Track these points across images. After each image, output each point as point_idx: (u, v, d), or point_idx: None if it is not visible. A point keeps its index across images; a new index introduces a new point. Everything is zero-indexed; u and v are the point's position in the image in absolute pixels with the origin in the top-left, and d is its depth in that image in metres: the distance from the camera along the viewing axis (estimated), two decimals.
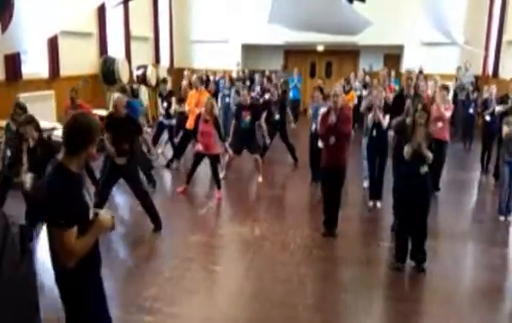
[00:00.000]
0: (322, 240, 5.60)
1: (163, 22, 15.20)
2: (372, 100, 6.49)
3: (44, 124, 7.26)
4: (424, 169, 4.64)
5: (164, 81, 10.02)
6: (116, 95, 5.90)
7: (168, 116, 9.02)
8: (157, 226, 5.73)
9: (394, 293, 4.50)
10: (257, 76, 13.12)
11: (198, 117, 7.10)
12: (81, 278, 2.40)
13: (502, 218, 6.25)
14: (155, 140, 9.08)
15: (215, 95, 10.89)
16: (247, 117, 7.70)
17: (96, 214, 2.39)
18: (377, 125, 6.35)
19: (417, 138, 4.57)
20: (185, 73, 10.86)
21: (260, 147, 7.98)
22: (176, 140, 9.05)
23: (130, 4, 11.88)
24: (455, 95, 12.36)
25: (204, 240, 5.71)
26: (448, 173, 8.02)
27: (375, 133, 6.40)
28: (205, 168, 7.35)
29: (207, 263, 5.12)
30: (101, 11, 11.26)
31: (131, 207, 6.42)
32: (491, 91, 8.53)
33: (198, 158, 7.13)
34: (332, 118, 5.41)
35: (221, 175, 7.94)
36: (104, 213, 2.45)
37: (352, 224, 6.20)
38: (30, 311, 3.27)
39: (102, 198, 5.63)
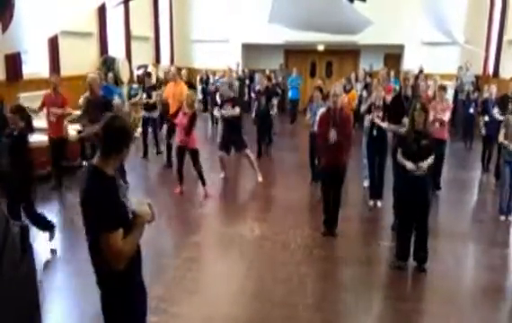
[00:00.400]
0: (322, 239, 5.60)
1: (163, 22, 15.21)
2: (372, 101, 6.50)
3: (43, 124, 7.32)
4: (420, 171, 4.63)
5: (148, 75, 10.11)
6: (90, 75, 5.95)
7: (149, 108, 9.16)
8: None
9: (395, 293, 4.50)
10: (257, 76, 13.15)
11: (179, 109, 7.20)
12: (125, 279, 2.36)
13: (503, 218, 6.25)
14: (144, 136, 9.25)
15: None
16: (229, 109, 7.78)
17: (133, 212, 2.35)
18: (377, 124, 6.35)
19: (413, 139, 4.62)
20: (171, 68, 10.99)
21: (246, 143, 8.01)
22: (160, 132, 9.32)
23: (130, 3, 11.88)
24: (456, 95, 12.36)
25: (205, 240, 5.71)
26: (449, 172, 8.02)
27: (375, 132, 6.40)
28: (205, 168, 7.34)
29: (209, 263, 5.12)
30: (102, 10, 11.26)
31: None
32: (491, 90, 8.52)
33: (180, 153, 7.15)
34: (334, 135, 5.37)
35: (221, 175, 7.96)
36: (140, 206, 2.39)
37: (352, 224, 6.20)
38: (31, 310, 3.28)
39: None
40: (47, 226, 5.19)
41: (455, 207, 6.96)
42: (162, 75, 11.94)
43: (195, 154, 7.09)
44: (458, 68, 12.90)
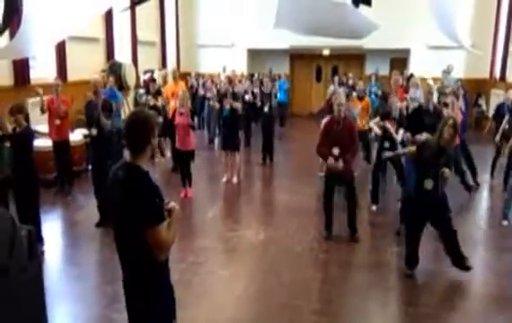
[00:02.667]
0: (327, 243, 5.59)
1: (169, 27, 15.29)
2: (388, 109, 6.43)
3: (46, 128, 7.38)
4: (429, 184, 4.53)
5: (153, 80, 10.19)
6: (95, 76, 6.02)
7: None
8: None
9: (402, 298, 4.47)
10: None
11: (175, 110, 7.32)
12: (164, 271, 2.49)
13: (505, 223, 6.21)
14: None
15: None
16: (227, 106, 7.88)
17: (168, 207, 2.41)
18: (390, 136, 6.28)
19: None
20: (170, 68, 11.15)
21: (239, 143, 8.09)
22: (163, 139, 9.38)
23: (137, 9, 11.96)
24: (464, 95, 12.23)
25: (211, 244, 5.72)
26: (453, 176, 7.93)
27: (387, 144, 6.27)
28: (208, 170, 7.35)
29: (214, 267, 5.12)
30: (109, 16, 11.35)
31: None
32: (509, 95, 8.31)
33: (179, 156, 7.18)
34: (340, 165, 5.33)
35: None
36: (172, 202, 2.47)
37: (359, 228, 6.17)
38: (38, 313, 3.29)
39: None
40: (41, 240, 5.14)
41: (464, 212, 6.91)
42: (161, 81, 11.95)
43: (191, 156, 7.22)
44: (442, 71, 12.75)
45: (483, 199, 7.90)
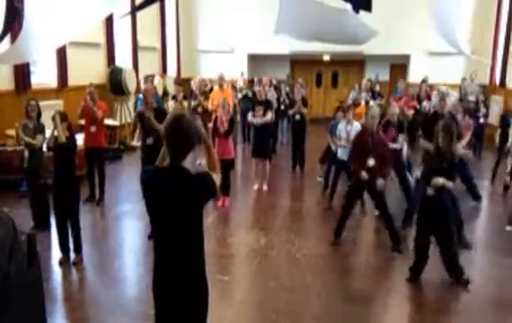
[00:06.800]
0: (328, 249, 5.57)
1: (169, 33, 15.32)
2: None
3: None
4: (431, 191, 4.50)
5: (174, 98, 10.14)
6: (145, 86, 6.01)
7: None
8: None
9: (404, 304, 4.46)
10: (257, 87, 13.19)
11: (216, 118, 7.20)
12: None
13: (509, 228, 6.19)
14: None
15: None
16: (260, 112, 7.69)
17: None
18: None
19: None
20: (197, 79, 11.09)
21: (270, 151, 7.98)
22: None
23: (138, 14, 11.99)
24: (475, 111, 12.25)
25: (211, 249, 5.69)
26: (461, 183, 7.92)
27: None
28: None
29: (215, 272, 5.09)
30: (109, 21, 11.38)
31: (142, 215, 6.44)
32: None
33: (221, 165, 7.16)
34: (373, 164, 5.26)
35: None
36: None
37: (359, 233, 6.17)
38: (37, 318, 3.28)
39: None
40: (79, 248, 5.18)
41: (470, 218, 6.87)
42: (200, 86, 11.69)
43: (231, 164, 7.18)
44: (462, 79, 12.85)
45: (485, 205, 7.88)
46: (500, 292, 4.65)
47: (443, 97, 6.53)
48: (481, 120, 10.74)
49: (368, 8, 4.99)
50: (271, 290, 4.62)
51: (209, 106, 8.83)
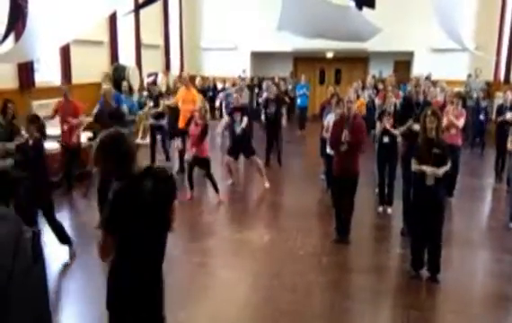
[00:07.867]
0: (331, 246, 5.57)
1: (173, 30, 15.34)
2: (385, 108, 6.50)
3: (56, 131, 7.41)
4: (430, 181, 4.52)
5: (154, 83, 10.20)
6: (104, 87, 6.06)
7: (156, 116, 9.19)
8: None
9: (405, 301, 4.44)
10: (265, 83, 13.16)
11: (191, 119, 7.28)
12: None
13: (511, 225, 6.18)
14: (152, 144, 9.21)
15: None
16: (238, 118, 7.91)
17: None
18: (388, 131, 6.32)
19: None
20: (184, 73, 11.10)
21: (254, 150, 8.06)
22: (169, 142, 9.39)
23: (141, 12, 12.00)
24: (464, 102, 12.25)
25: (214, 246, 5.72)
26: (460, 180, 7.93)
27: (386, 139, 6.35)
28: (216, 176, 7.36)
29: (217, 269, 5.12)
30: (113, 19, 11.40)
31: None
32: (507, 97, 8.41)
33: (192, 161, 7.18)
34: (347, 135, 5.33)
35: (228, 182, 7.98)
36: None
37: (362, 230, 6.16)
38: (42, 316, 3.30)
39: None
40: (65, 239, 5.19)
41: (468, 215, 6.88)
42: (172, 84, 11.99)
43: (207, 163, 7.14)
44: (467, 75, 12.82)
45: (487, 201, 7.87)
46: (504, 290, 4.64)
47: (417, 83, 6.63)
48: (482, 117, 10.62)
49: (371, 5, 4.96)
50: (274, 287, 4.63)
51: (179, 103, 8.95)
